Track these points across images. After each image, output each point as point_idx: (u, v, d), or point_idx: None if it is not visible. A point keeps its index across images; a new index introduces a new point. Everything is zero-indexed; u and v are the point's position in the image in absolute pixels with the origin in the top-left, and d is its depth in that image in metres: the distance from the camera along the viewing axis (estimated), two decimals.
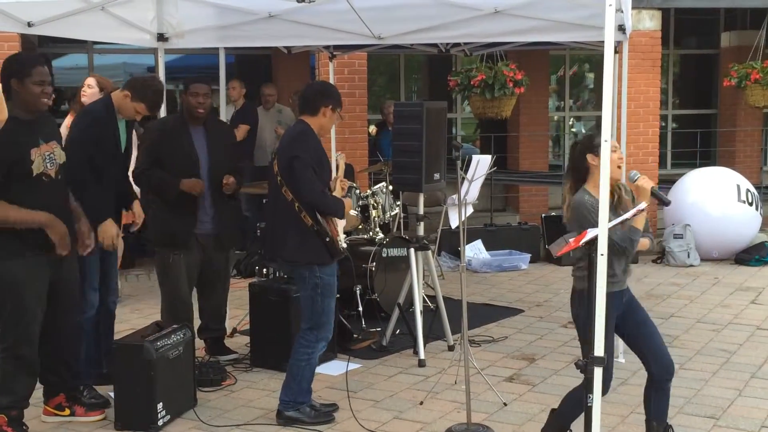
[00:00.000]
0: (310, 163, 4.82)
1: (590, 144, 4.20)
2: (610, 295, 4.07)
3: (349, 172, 9.69)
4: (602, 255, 3.62)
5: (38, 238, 4.47)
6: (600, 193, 3.71)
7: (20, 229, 4.42)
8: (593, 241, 3.73)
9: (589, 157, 4.18)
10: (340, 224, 5.06)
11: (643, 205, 4.00)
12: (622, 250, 4.09)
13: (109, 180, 5.24)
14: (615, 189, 4.22)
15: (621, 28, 5.98)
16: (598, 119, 13.91)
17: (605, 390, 4.08)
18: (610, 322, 4.06)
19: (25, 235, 4.45)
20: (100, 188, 5.15)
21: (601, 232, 3.64)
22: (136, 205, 5.51)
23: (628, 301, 4.32)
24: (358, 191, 7.43)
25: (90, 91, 6.37)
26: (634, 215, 3.96)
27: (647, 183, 4.15)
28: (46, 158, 4.50)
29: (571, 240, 3.91)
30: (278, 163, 4.91)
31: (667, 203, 4.37)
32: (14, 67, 4.48)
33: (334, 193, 5.07)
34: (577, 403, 4.31)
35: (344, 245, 5.10)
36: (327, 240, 4.86)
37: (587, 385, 3.77)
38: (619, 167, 4.24)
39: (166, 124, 5.87)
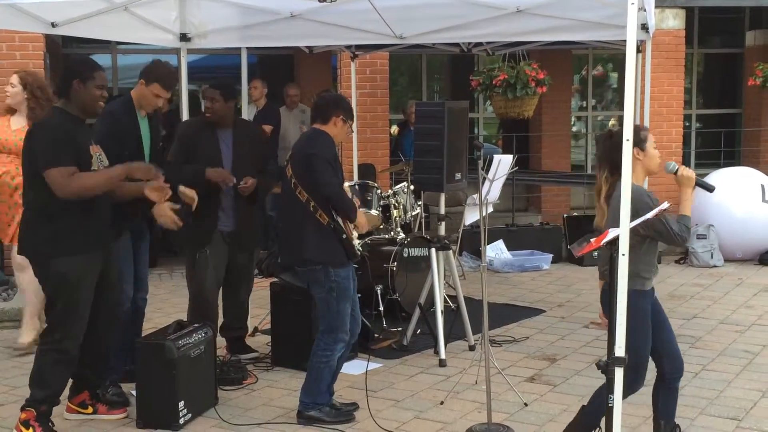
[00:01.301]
0: (328, 159, 4.88)
1: (636, 138, 4.15)
2: (644, 294, 4.11)
3: (371, 172, 9.71)
4: (623, 255, 3.60)
5: (95, 234, 4.61)
6: (621, 193, 3.70)
7: (81, 226, 4.55)
8: (615, 241, 3.72)
9: (635, 151, 4.14)
10: (354, 232, 5.08)
11: (666, 204, 3.98)
12: (682, 240, 4.10)
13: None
14: None
15: (644, 27, 5.96)
16: (621, 119, 13.85)
17: (639, 386, 4.19)
18: (648, 320, 4.13)
19: (85, 232, 4.57)
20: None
21: (623, 232, 3.62)
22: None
23: (654, 300, 4.30)
24: (379, 191, 7.43)
25: (12, 90, 6.13)
26: (656, 215, 3.94)
27: (690, 172, 4.16)
28: (97, 158, 4.67)
29: (592, 240, 3.89)
30: (292, 166, 4.95)
31: (711, 190, 4.36)
32: (79, 68, 4.66)
33: None
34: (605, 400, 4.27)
35: (359, 249, 5.11)
36: (343, 237, 4.88)
37: (608, 386, 3.75)
38: (658, 164, 4.25)
39: (192, 126, 5.97)
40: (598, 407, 4.28)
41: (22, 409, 4.66)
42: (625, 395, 4.24)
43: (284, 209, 5.10)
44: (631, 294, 4.10)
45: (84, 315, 4.63)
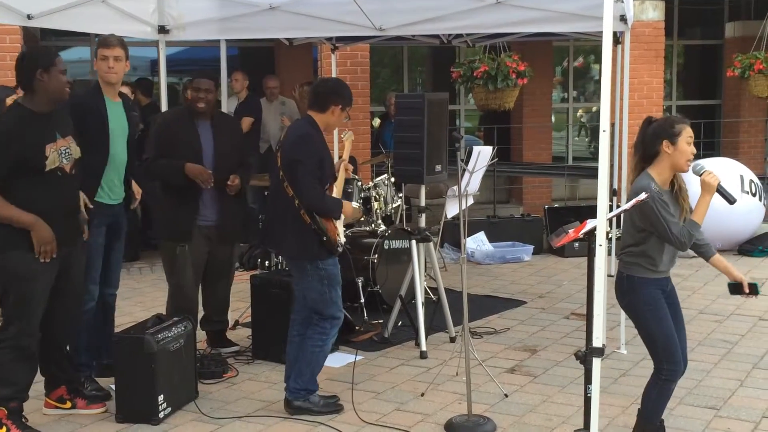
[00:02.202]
0: (312, 169, 4.85)
1: (669, 131, 4.08)
2: (647, 281, 4.10)
3: (352, 164, 9.69)
4: (600, 246, 3.61)
5: (54, 230, 4.48)
6: (599, 184, 3.70)
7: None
8: (593, 232, 3.73)
9: (665, 143, 4.08)
10: (340, 222, 5.07)
11: (643, 195, 3.95)
12: (680, 244, 4.04)
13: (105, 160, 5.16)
14: (676, 178, 4.18)
15: (623, 19, 5.97)
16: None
17: (681, 372, 4.17)
18: (658, 304, 4.12)
19: None
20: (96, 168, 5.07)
21: (600, 222, 3.64)
22: (133, 184, 5.45)
23: (669, 292, 4.27)
24: (360, 183, 7.41)
25: None
26: (633, 206, 3.94)
27: (713, 179, 4.06)
28: (62, 153, 4.53)
29: (570, 231, 3.90)
30: (281, 159, 4.93)
31: (732, 201, 4.24)
32: (40, 58, 4.54)
33: (338, 177, 5.10)
34: (657, 396, 4.22)
35: (342, 240, 5.10)
36: (324, 239, 4.89)
37: (586, 376, 3.77)
38: (689, 161, 4.13)
39: (170, 116, 5.92)
40: (652, 407, 4.24)
41: None
42: (672, 382, 4.19)
43: (271, 196, 5.11)
44: (636, 281, 4.09)
45: (37, 311, 4.54)
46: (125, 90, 9.29)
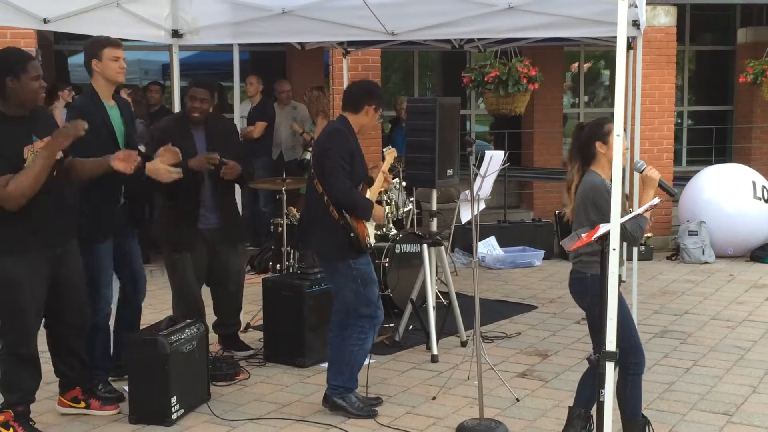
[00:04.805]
0: (339, 161, 4.87)
1: (600, 131, 4.25)
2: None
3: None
4: (614, 250, 3.62)
5: (38, 234, 4.44)
6: (612, 189, 3.71)
7: (22, 225, 4.36)
8: (606, 236, 3.73)
9: (598, 144, 4.24)
10: (371, 224, 5.08)
11: (656, 200, 4.00)
12: (634, 239, 4.15)
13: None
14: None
15: (635, 24, 5.98)
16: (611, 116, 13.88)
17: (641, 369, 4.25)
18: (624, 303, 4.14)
19: (26, 231, 4.39)
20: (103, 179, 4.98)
21: (614, 227, 3.64)
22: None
23: None
24: (397, 189, 7.42)
25: None
26: (647, 210, 3.96)
27: (655, 173, 4.21)
28: (34, 157, 4.38)
29: (583, 235, 3.91)
30: (312, 157, 5.05)
31: (673, 194, 4.43)
32: (8, 64, 4.36)
33: (375, 182, 5.15)
34: (632, 393, 4.33)
35: (372, 242, 5.11)
36: (351, 236, 4.90)
37: (599, 380, 3.77)
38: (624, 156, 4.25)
39: (169, 123, 5.91)
40: (631, 404, 4.34)
41: (0, 411, 4.62)
42: (640, 375, 4.31)
43: (306, 197, 5.19)
44: (598, 279, 4.07)
45: (29, 317, 4.48)
46: (158, 91, 9.66)
